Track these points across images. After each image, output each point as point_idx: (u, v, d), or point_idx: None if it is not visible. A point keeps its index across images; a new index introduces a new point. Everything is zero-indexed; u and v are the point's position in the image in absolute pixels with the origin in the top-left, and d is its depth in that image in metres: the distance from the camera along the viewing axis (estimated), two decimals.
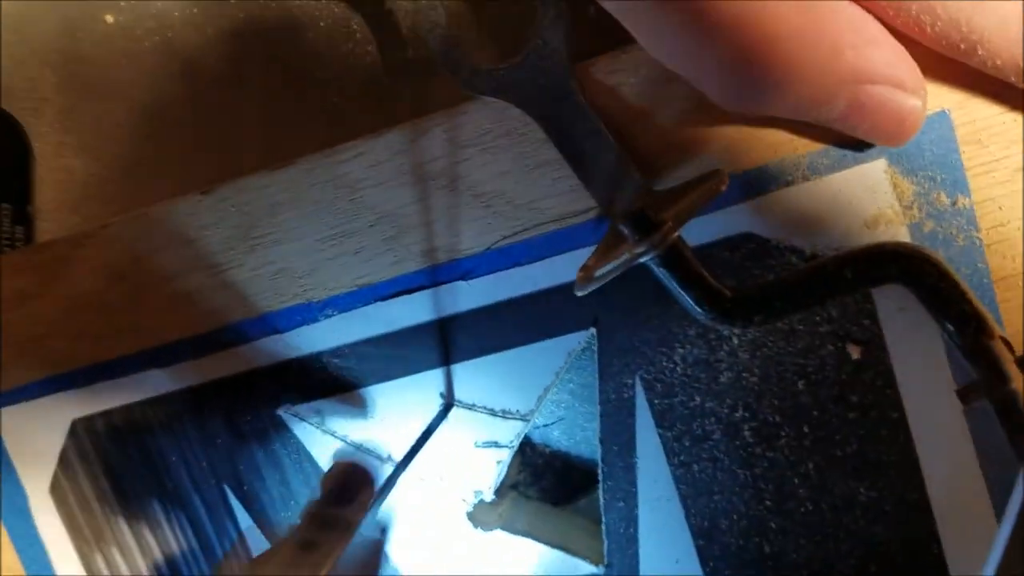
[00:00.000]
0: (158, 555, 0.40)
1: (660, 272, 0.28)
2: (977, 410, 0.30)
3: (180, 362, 0.37)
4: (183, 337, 0.37)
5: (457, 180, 0.32)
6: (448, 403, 0.35)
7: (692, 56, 0.26)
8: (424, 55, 0.34)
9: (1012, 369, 0.25)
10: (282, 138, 0.36)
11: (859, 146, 0.29)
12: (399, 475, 0.34)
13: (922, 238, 0.29)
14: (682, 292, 0.28)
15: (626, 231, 0.28)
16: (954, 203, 0.29)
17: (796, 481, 0.32)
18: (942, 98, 0.28)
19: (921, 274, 0.27)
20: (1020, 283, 0.28)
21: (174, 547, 0.40)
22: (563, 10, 0.29)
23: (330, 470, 0.36)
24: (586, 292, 0.29)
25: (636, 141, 0.30)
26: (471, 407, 0.35)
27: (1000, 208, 0.28)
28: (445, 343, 0.35)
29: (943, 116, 0.28)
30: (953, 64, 0.27)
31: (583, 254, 0.32)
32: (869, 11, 0.25)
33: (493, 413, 0.35)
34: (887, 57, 0.25)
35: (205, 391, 0.37)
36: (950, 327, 0.26)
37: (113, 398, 0.38)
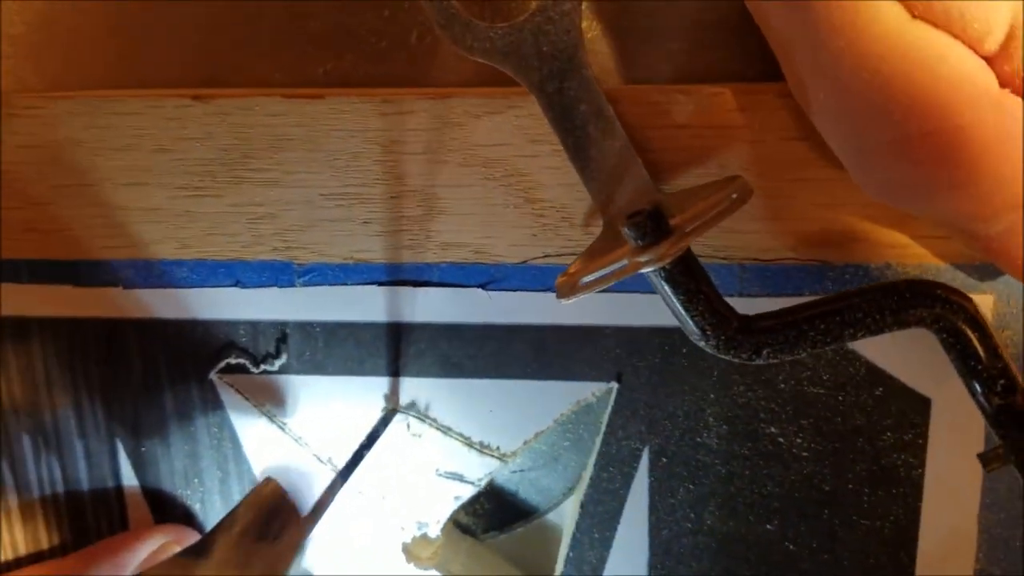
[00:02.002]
0: (12, 499, 0.33)
1: (661, 286, 0.24)
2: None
3: (102, 286, 0.30)
4: (117, 260, 0.30)
5: (514, 176, 0.27)
6: (392, 408, 0.30)
7: (864, 125, 0.22)
8: None
9: None
10: (302, 60, 0.29)
11: (980, 273, 0.26)
12: (340, 485, 0.29)
13: None
14: (684, 311, 0.24)
15: (629, 234, 0.24)
16: None
17: None
18: None
19: (950, 318, 0.23)
20: None
21: (34, 494, 0.33)
22: None
23: (256, 491, 0.30)
24: (570, 301, 0.25)
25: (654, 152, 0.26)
26: (446, 431, 0.30)
27: None
28: (398, 349, 0.29)
29: None
30: None
31: (632, 300, 0.28)
32: None
33: (468, 443, 0.30)
34: None
35: (124, 328, 0.31)
36: (975, 384, 0.23)
37: (9, 304, 0.30)
